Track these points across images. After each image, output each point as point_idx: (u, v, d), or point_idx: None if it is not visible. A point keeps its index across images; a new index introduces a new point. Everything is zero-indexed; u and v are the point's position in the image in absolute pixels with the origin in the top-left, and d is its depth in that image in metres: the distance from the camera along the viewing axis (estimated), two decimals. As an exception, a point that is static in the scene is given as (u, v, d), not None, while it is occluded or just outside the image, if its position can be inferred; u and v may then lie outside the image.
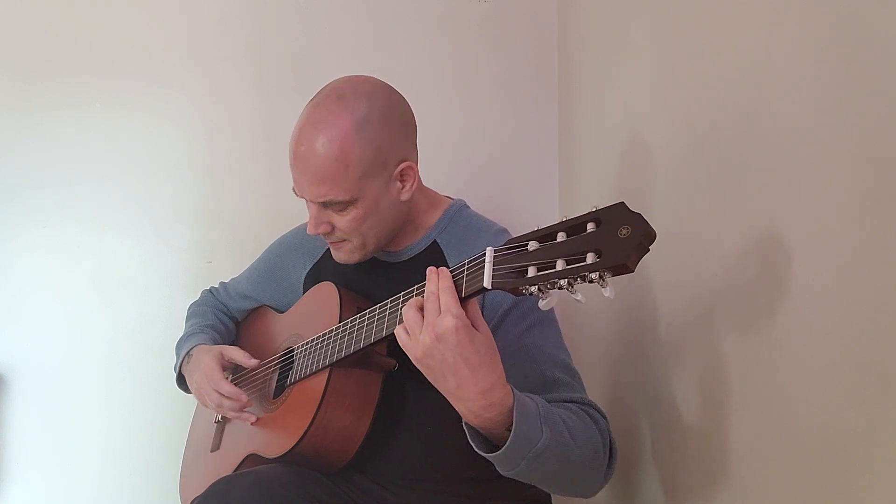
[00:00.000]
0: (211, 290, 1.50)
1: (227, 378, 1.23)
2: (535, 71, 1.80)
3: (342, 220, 1.10)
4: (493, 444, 0.91)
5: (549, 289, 0.79)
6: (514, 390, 0.89)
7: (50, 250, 1.74)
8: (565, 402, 1.01)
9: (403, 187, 1.12)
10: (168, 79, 1.75)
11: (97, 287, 1.75)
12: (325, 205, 1.09)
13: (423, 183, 1.21)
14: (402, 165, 1.10)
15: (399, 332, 0.90)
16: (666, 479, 1.19)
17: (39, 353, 1.74)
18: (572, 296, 0.78)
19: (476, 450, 0.91)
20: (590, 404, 1.02)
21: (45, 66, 1.72)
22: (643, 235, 0.74)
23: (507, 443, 0.86)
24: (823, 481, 0.78)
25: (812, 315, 0.80)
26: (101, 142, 1.74)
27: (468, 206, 1.24)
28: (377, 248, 1.16)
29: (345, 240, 1.13)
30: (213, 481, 1.12)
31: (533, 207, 1.80)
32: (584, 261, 0.75)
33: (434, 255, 1.17)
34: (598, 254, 0.75)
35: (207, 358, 1.24)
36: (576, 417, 0.97)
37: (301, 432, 1.07)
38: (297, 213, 1.56)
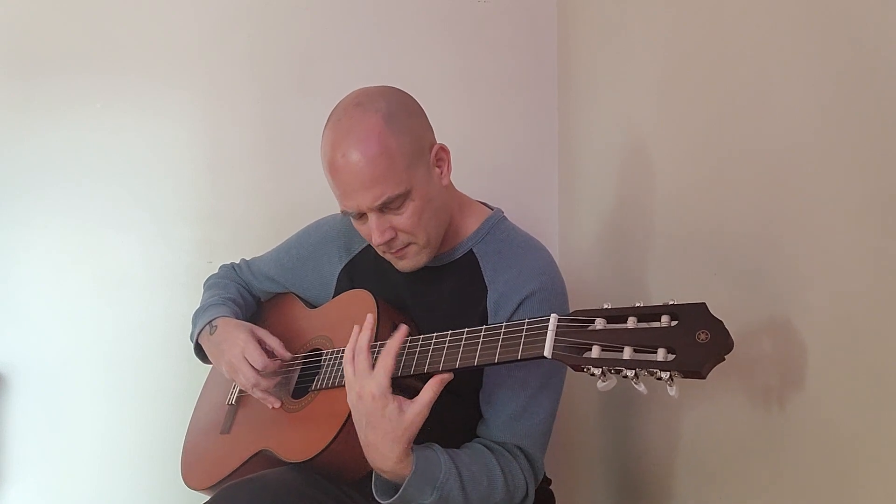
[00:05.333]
0: (232, 266, 1.46)
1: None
2: (535, 71, 1.81)
3: (402, 219, 1.07)
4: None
5: (613, 374, 0.79)
6: (421, 459, 0.98)
7: (50, 250, 1.74)
8: (503, 445, 1.09)
9: (441, 171, 1.12)
10: (169, 79, 1.75)
11: (97, 287, 1.75)
12: (384, 208, 1.06)
13: None
14: (435, 148, 1.11)
15: (347, 372, 1.01)
16: (665, 481, 1.19)
17: (40, 353, 1.74)
18: (635, 386, 0.78)
19: (372, 487, 1.02)
20: (526, 456, 1.09)
21: (46, 65, 1.72)
22: (722, 346, 0.73)
23: (392, 500, 0.98)
24: (823, 491, 0.79)
25: (812, 315, 0.80)
26: (102, 141, 1.73)
27: (506, 218, 1.23)
28: (438, 244, 1.14)
29: (410, 243, 1.10)
30: (220, 474, 1.14)
31: (533, 207, 1.81)
32: (655, 355, 0.75)
33: (470, 265, 1.16)
34: (671, 351, 0.74)
35: (243, 335, 1.22)
36: (487, 475, 1.04)
37: (322, 445, 1.07)
38: (296, 215, 1.56)
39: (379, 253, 1.15)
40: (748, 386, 0.93)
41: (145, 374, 1.76)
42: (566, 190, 1.77)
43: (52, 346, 1.74)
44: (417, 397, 0.96)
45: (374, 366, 0.98)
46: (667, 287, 1.19)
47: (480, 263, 1.16)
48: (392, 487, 1.00)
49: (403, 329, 1.00)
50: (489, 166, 1.80)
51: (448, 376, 0.97)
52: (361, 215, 1.09)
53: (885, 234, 0.69)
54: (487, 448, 1.08)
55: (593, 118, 1.56)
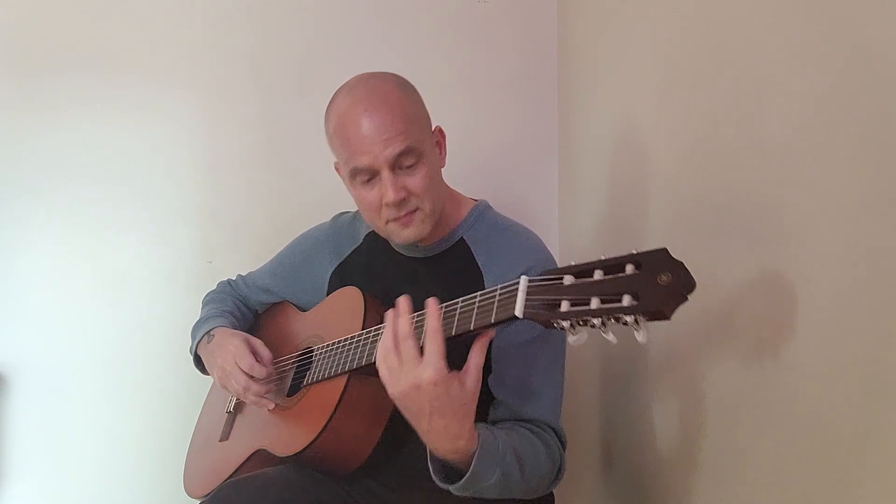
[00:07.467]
0: (229, 282, 1.48)
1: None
2: (535, 71, 1.81)
3: (416, 180, 1.09)
4: (450, 468, 0.97)
5: (582, 325, 0.79)
6: (482, 434, 0.94)
7: (50, 250, 1.74)
8: (530, 422, 1.07)
9: (440, 152, 1.17)
10: (169, 79, 1.75)
11: (97, 287, 1.75)
12: (397, 165, 1.08)
13: None
14: (436, 128, 1.17)
15: (381, 366, 0.93)
16: (665, 480, 1.19)
17: (40, 352, 1.75)
18: (604, 335, 0.78)
19: (432, 475, 0.96)
20: (554, 430, 1.09)
21: (46, 66, 1.73)
22: (683, 284, 0.74)
23: (461, 482, 0.93)
24: (823, 487, 0.79)
25: (812, 315, 0.80)
26: (102, 142, 1.74)
27: (492, 207, 1.25)
28: (437, 219, 1.15)
29: (417, 208, 1.11)
30: (219, 479, 1.14)
31: (533, 207, 1.81)
32: (621, 302, 0.75)
33: (462, 252, 1.18)
34: (636, 297, 0.75)
35: (236, 341, 1.24)
36: (532, 448, 1.03)
37: (313, 435, 1.07)
38: (297, 215, 1.56)
39: (380, 228, 1.15)
40: (748, 385, 0.93)
41: (145, 373, 1.76)
42: (566, 188, 1.77)
43: (52, 346, 1.75)
44: (468, 365, 0.91)
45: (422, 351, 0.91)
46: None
47: (472, 249, 1.18)
48: (454, 473, 0.96)
49: (433, 303, 0.92)
50: (489, 165, 1.80)
51: (492, 333, 0.93)
52: (371, 178, 1.10)
53: (882, 227, 0.69)
54: (520, 426, 1.07)
55: (593, 117, 1.56)
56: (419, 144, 1.08)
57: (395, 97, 1.09)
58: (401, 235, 1.14)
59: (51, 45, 1.72)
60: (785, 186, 0.84)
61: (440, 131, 1.18)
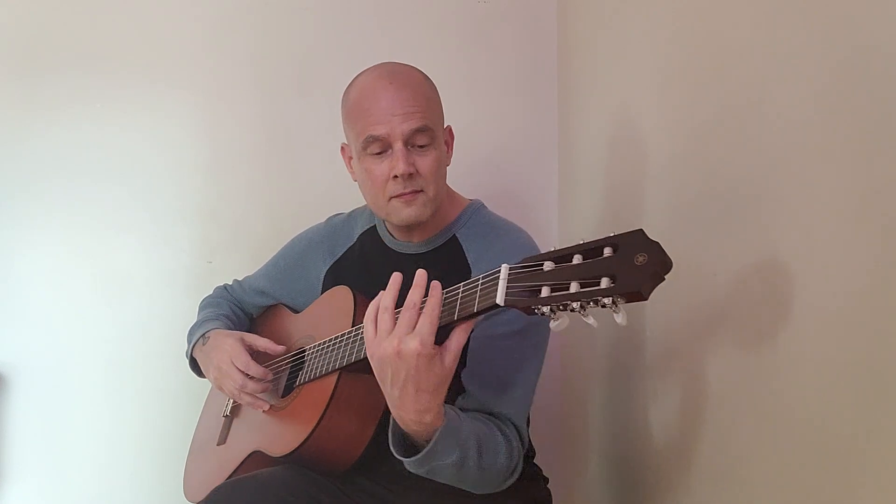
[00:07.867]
0: (225, 286, 1.49)
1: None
2: (535, 70, 1.81)
3: (425, 161, 1.12)
4: (407, 441, 0.96)
5: (562, 310, 0.79)
6: (449, 413, 0.94)
7: (50, 250, 1.74)
8: (496, 416, 1.06)
9: (448, 150, 1.20)
10: (169, 79, 1.75)
11: (98, 287, 1.75)
12: (412, 140, 1.11)
13: None
14: (446, 126, 1.20)
15: (368, 326, 0.93)
16: (664, 478, 1.19)
17: (40, 352, 1.75)
18: (584, 319, 0.78)
19: (390, 445, 0.96)
20: (517, 429, 1.07)
21: (47, 66, 1.73)
22: (659, 264, 0.74)
23: (419, 455, 0.93)
24: (822, 484, 0.78)
25: (811, 309, 0.79)
26: (103, 141, 1.74)
27: (485, 206, 1.26)
28: (435, 210, 1.16)
29: (422, 189, 1.13)
30: (217, 483, 1.14)
31: (532, 207, 1.81)
32: (598, 285, 0.75)
33: (453, 250, 1.19)
34: (613, 279, 0.75)
35: (231, 341, 1.24)
36: (494, 440, 1.02)
37: (306, 434, 1.08)
38: (297, 215, 1.57)
39: (381, 206, 1.15)
40: (748, 380, 0.93)
41: (145, 373, 1.76)
42: (565, 190, 1.77)
43: (52, 346, 1.75)
44: (450, 343, 0.91)
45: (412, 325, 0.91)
46: (666, 286, 1.18)
47: (463, 247, 1.19)
48: (413, 448, 0.96)
49: (438, 286, 0.92)
50: (489, 165, 1.80)
51: (473, 321, 0.92)
52: (382, 151, 1.11)
53: (881, 222, 0.68)
54: (486, 418, 1.06)
55: (593, 117, 1.56)
56: (434, 128, 1.12)
57: (418, 80, 1.14)
58: (401, 214, 1.14)
59: (51, 44, 1.73)
60: (783, 182, 0.84)
61: (450, 131, 1.21)
